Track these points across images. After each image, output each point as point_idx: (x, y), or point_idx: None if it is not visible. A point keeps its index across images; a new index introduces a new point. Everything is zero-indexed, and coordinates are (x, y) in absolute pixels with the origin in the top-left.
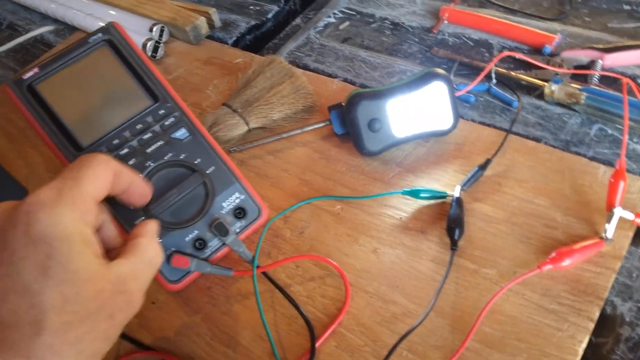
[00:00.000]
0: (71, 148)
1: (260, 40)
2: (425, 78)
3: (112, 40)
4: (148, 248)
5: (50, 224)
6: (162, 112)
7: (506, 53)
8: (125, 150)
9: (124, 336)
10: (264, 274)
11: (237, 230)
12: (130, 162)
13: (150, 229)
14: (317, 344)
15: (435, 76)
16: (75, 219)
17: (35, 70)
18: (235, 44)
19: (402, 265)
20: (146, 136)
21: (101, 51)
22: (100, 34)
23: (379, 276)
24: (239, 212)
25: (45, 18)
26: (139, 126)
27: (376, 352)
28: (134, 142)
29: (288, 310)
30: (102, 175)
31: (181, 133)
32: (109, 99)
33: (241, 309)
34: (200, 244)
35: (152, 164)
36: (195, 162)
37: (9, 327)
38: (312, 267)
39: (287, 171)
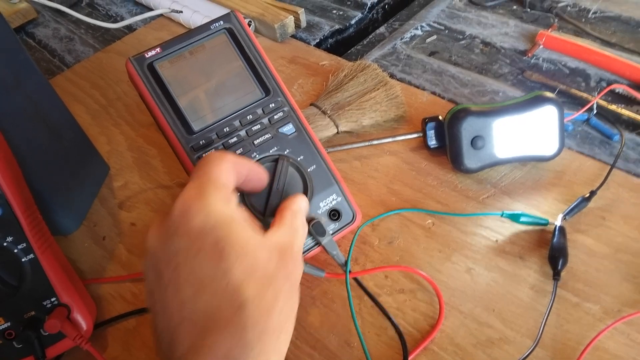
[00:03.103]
0: (183, 130)
1: (340, 45)
2: (536, 101)
3: (232, 29)
4: (295, 219)
5: (205, 215)
6: (272, 105)
7: (616, 86)
8: (234, 139)
9: None
10: (356, 280)
11: (331, 232)
12: (237, 152)
13: (294, 202)
14: (410, 359)
15: (548, 100)
16: (223, 203)
17: (157, 49)
18: (317, 46)
19: (498, 289)
20: (255, 127)
21: (220, 38)
22: (221, 22)
23: (473, 297)
24: (334, 214)
25: (126, 0)
26: (249, 117)
27: None
28: (243, 132)
29: (377, 320)
30: (225, 166)
31: (288, 128)
32: (223, 86)
33: (327, 312)
34: None
35: (257, 156)
36: (298, 158)
37: (212, 316)
38: (401, 279)
39: (375, 178)
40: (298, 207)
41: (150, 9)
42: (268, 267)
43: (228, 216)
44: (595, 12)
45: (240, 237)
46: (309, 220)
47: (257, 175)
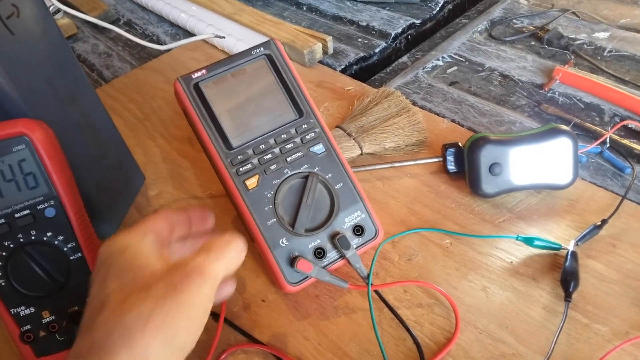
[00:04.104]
0: (223, 146)
1: (364, 71)
2: (552, 132)
3: (271, 55)
4: (197, 262)
5: (107, 246)
6: (304, 126)
7: (628, 122)
8: (269, 156)
9: (234, 328)
10: (377, 292)
11: (355, 246)
12: (271, 167)
13: (214, 250)
14: None
15: (563, 132)
16: (125, 239)
17: (203, 71)
18: (343, 72)
19: (512, 308)
20: (288, 146)
21: (260, 63)
22: (261, 48)
23: (488, 314)
24: (358, 230)
25: (162, 20)
26: (283, 136)
27: None
28: (277, 150)
29: (396, 331)
30: (155, 217)
31: (318, 148)
32: (260, 107)
33: (348, 321)
34: (319, 253)
35: (289, 172)
36: (327, 176)
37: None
38: (419, 294)
39: (396, 199)
40: (212, 249)
41: (186, 30)
42: (147, 278)
43: (123, 245)
44: (610, 51)
45: (128, 262)
46: (335, 234)
47: (197, 216)
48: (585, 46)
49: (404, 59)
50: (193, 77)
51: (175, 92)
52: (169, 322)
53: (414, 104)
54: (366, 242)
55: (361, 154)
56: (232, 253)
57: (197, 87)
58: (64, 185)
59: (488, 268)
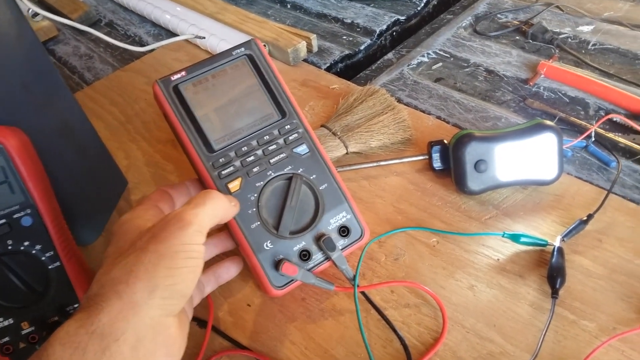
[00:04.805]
0: (204, 149)
1: (350, 69)
2: (536, 128)
3: (252, 55)
4: (175, 211)
5: (116, 224)
6: (287, 127)
7: (613, 115)
8: (251, 158)
9: (220, 333)
10: (363, 294)
11: (340, 247)
12: (254, 169)
13: (195, 199)
14: None
15: (547, 128)
16: (132, 214)
17: (183, 73)
18: (328, 70)
19: (499, 306)
20: (271, 147)
21: (241, 64)
22: (242, 48)
23: (475, 313)
24: (343, 231)
25: (144, 21)
26: (265, 137)
27: None
28: (259, 152)
29: (383, 332)
30: (156, 191)
31: (302, 149)
32: (242, 108)
33: (335, 324)
34: (304, 255)
35: (272, 174)
36: (311, 177)
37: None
38: (407, 294)
39: (382, 197)
40: (191, 203)
41: (168, 30)
42: (133, 239)
43: (126, 219)
44: (594, 44)
45: (123, 232)
46: (320, 236)
47: (195, 185)
48: (569, 40)
49: (389, 55)
50: (172, 79)
51: (155, 94)
52: (151, 272)
53: (400, 101)
54: (352, 242)
55: (347, 153)
56: (213, 201)
57: (176, 89)
58: (40, 193)
59: (475, 266)
